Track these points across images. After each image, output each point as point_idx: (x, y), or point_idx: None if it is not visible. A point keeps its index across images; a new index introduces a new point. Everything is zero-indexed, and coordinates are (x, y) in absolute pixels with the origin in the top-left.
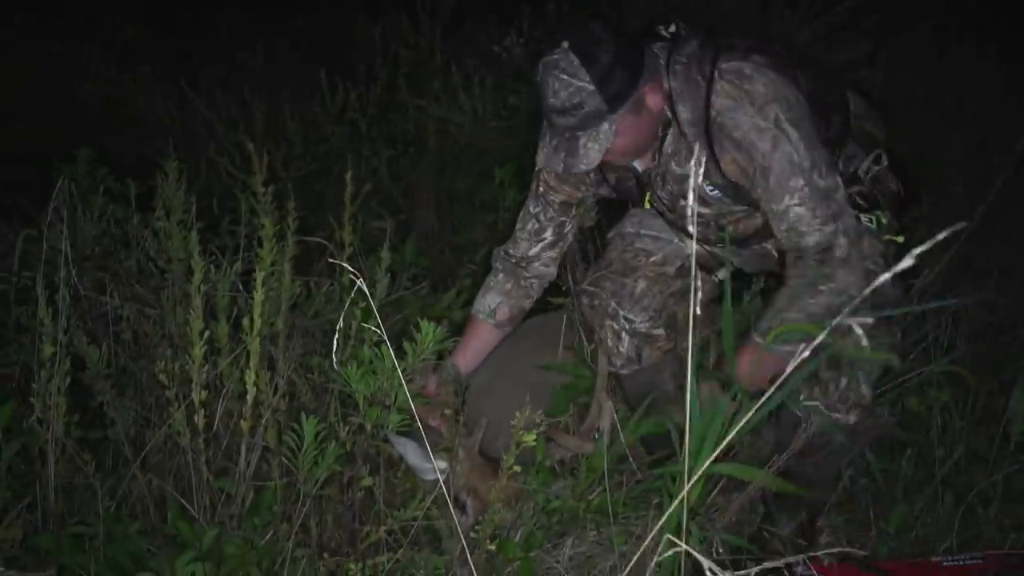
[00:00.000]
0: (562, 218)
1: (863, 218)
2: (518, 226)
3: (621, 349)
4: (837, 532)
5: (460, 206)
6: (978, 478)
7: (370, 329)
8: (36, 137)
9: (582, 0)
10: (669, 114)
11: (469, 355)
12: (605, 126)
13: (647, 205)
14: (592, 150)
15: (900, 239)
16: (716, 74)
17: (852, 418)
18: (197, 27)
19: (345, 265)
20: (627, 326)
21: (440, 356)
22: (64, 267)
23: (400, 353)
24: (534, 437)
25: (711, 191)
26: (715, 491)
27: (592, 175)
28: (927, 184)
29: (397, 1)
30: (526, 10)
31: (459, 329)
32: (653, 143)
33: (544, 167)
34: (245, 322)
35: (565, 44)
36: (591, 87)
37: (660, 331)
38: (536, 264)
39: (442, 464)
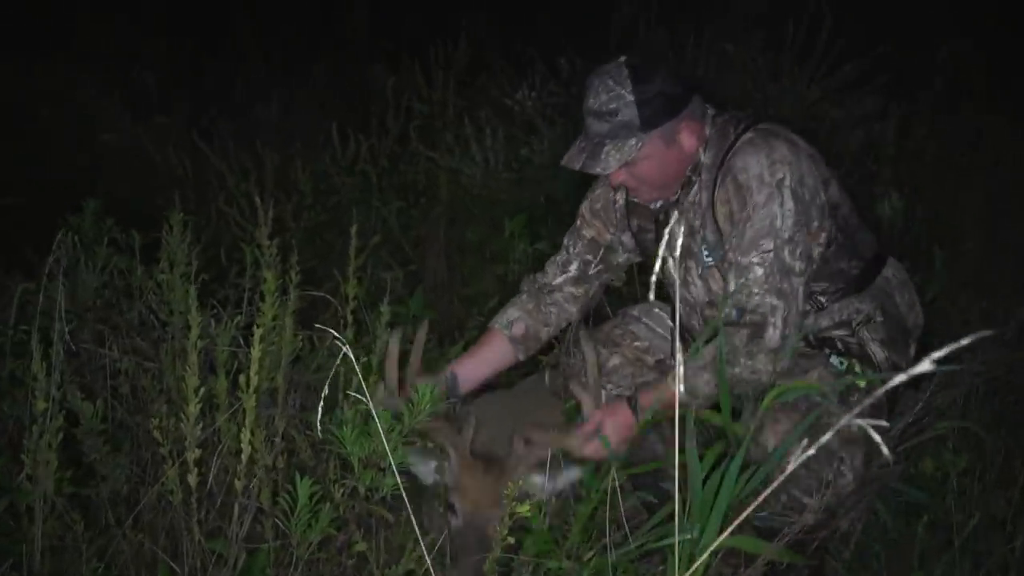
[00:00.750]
0: (588, 256)
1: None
2: (551, 258)
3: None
4: None
5: (470, 257)
6: (997, 544)
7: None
8: (50, 187)
9: (596, 55)
10: (701, 157)
11: (475, 361)
12: (632, 141)
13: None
14: (612, 157)
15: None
16: (749, 129)
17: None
18: (217, 78)
19: (333, 332)
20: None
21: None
22: (59, 320)
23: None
24: (528, 508)
25: (706, 255)
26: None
27: (618, 215)
28: (940, 240)
29: (412, 54)
30: (539, 65)
31: None
32: (676, 184)
33: (565, 164)
34: (243, 378)
35: (622, 59)
36: (630, 98)
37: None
38: (558, 295)
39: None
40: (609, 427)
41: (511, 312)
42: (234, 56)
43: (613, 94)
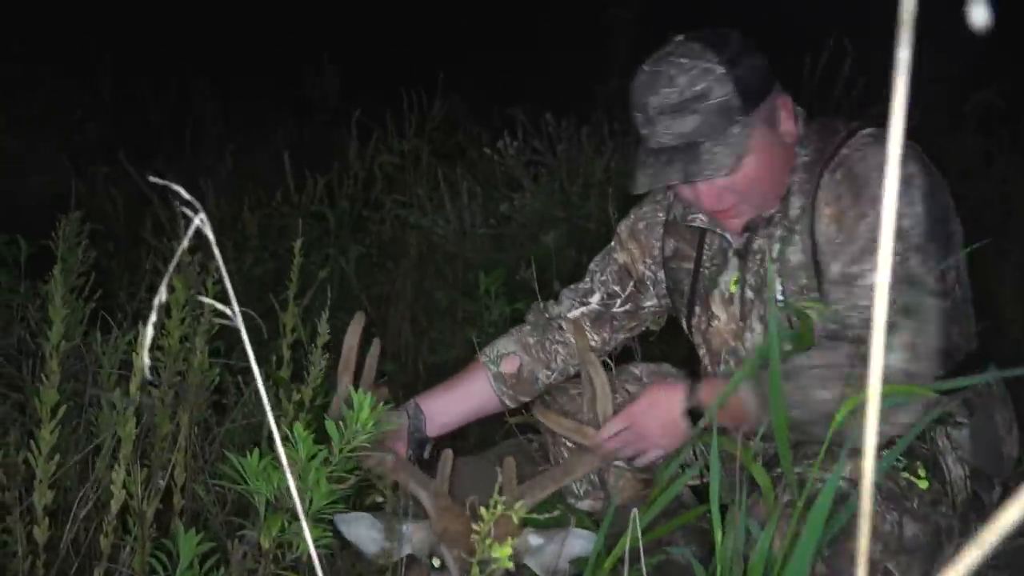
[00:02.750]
0: (615, 287)
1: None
2: (570, 286)
3: None
4: None
5: (439, 320)
6: None
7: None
8: None
9: (581, 113)
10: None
11: (450, 398)
12: (736, 129)
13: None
14: (721, 155)
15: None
16: (859, 129)
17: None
18: (168, 132)
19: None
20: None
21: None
22: None
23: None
24: (509, 554)
25: (778, 291)
26: None
27: (658, 247)
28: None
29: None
30: (523, 121)
31: None
32: (782, 187)
33: (650, 187)
34: (117, 394)
35: (679, 37)
36: (721, 70)
37: (625, 465)
38: (570, 333)
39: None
40: (650, 419)
41: (504, 344)
42: (187, 110)
43: (695, 72)
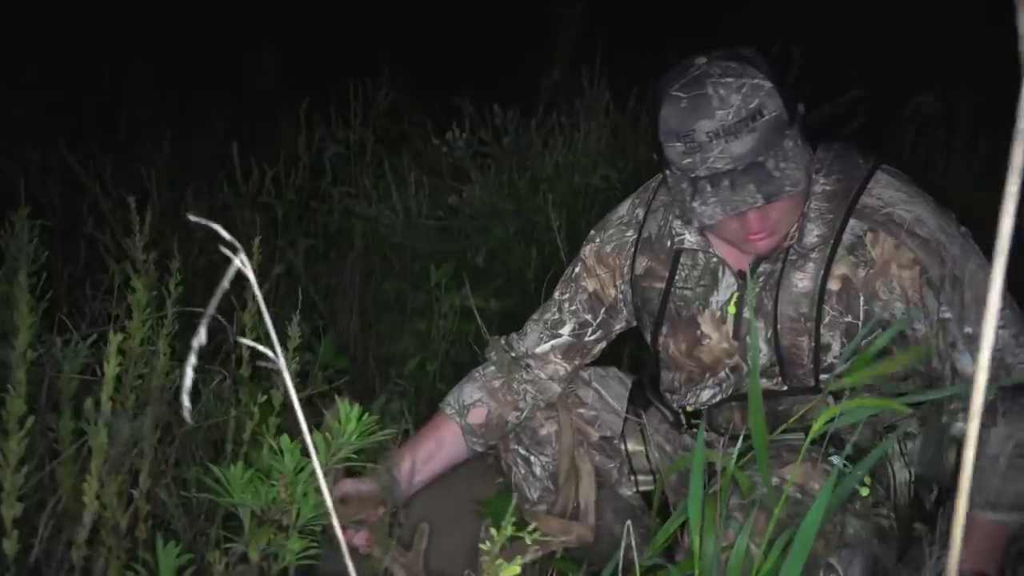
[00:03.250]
0: (586, 316)
1: (836, 459)
2: (533, 316)
3: (535, 473)
4: None
5: (388, 312)
6: None
7: (269, 435)
8: None
9: (525, 106)
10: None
11: (419, 455)
12: (789, 144)
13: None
14: (791, 170)
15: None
16: (880, 166)
17: None
18: (99, 114)
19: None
20: (531, 458)
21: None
22: None
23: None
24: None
25: (791, 311)
26: None
27: (628, 265)
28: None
29: (325, 100)
30: (469, 111)
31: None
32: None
33: (725, 215)
34: (88, 403)
35: (701, 59)
36: (768, 84)
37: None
38: (539, 368)
39: None
40: None
41: (469, 391)
42: (119, 93)
43: (746, 90)
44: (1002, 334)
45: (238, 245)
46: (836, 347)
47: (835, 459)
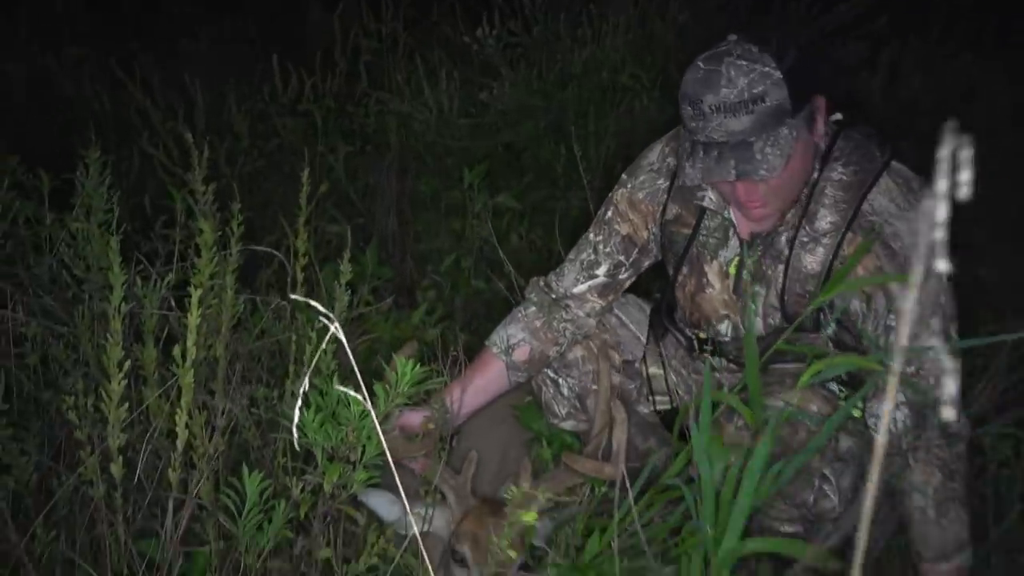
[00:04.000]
0: (620, 257)
1: (835, 386)
2: (570, 256)
3: (563, 393)
4: None
5: (423, 210)
6: None
7: (329, 361)
8: None
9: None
10: (816, 174)
11: (469, 391)
12: (784, 131)
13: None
14: (772, 156)
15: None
16: (890, 164)
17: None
18: (136, 8)
19: (312, 303)
20: (559, 379)
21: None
22: None
23: (370, 394)
24: (535, 516)
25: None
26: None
27: (660, 211)
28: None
29: None
30: (498, 2)
31: (434, 354)
32: (799, 196)
33: (702, 180)
34: (177, 349)
35: (733, 37)
36: (777, 74)
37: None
38: (577, 307)
39: (427, 513)
40: None
41: (512, 331)
42: None
43: (755, 75)
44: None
45: (333, 317)
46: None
47: (832, 386)
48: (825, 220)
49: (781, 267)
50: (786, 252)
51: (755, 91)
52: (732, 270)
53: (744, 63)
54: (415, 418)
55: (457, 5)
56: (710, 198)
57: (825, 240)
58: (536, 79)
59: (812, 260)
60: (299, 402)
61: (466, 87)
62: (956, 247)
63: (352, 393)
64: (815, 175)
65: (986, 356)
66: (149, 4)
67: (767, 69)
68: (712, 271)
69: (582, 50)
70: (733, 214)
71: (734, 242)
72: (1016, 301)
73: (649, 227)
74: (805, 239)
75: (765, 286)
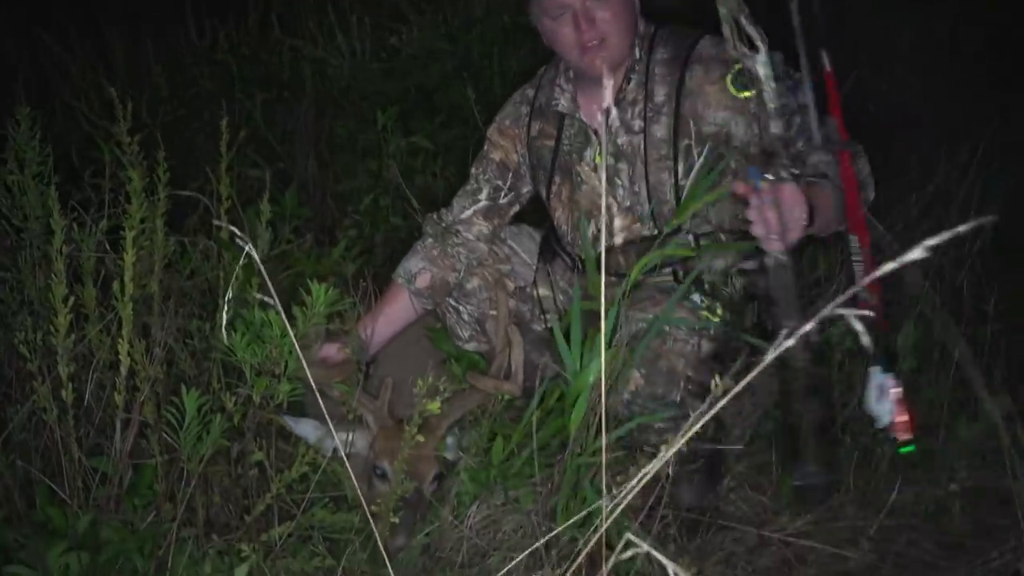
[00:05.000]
0: (498, 181)
1: (696, 297)
2: (457, 193)
3: (464, 319)
4: (740, 478)
5: (341, 153)
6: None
7: (254, 292)
8: None
9: None
10: (638, 54)
11: (380, 321)
12: None
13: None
14: None
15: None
16: (703, 36)
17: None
18: None
19: (232, 228)
20: (460, 307)
21: (335, 318)
22: None
23: (290, 318)
24: (438, 405)
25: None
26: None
27: (524, 132)
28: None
29: None
30: None
31: (349, 286)
32: (628, 53)
33: None
34: (115, 286)
35: None
36: None
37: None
38: (466, 233)
39: (348, 436)
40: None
41: (414, 262)
42: None
43: None
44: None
45: (246, 238)
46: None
47: (696, 298)
48: (660, 93)
49: (639, 138)
50: (640, 123)
51: None
52: (598, 159)
53: None
54: (334, 349)
55: None
56: (563, 104)
57: (664, 109)
58: (443, 23)
59: (659, 128)
60: (223, 321)
61: (377, 32)
62: None
63: (273, 312)
64: (644, 57)
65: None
66: None
67: None
68: (582, 170)
69: None
70: (582, 110)
71: (594, 140)
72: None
73: (518, 149)
74: (651, 114)
75: (628, 163)
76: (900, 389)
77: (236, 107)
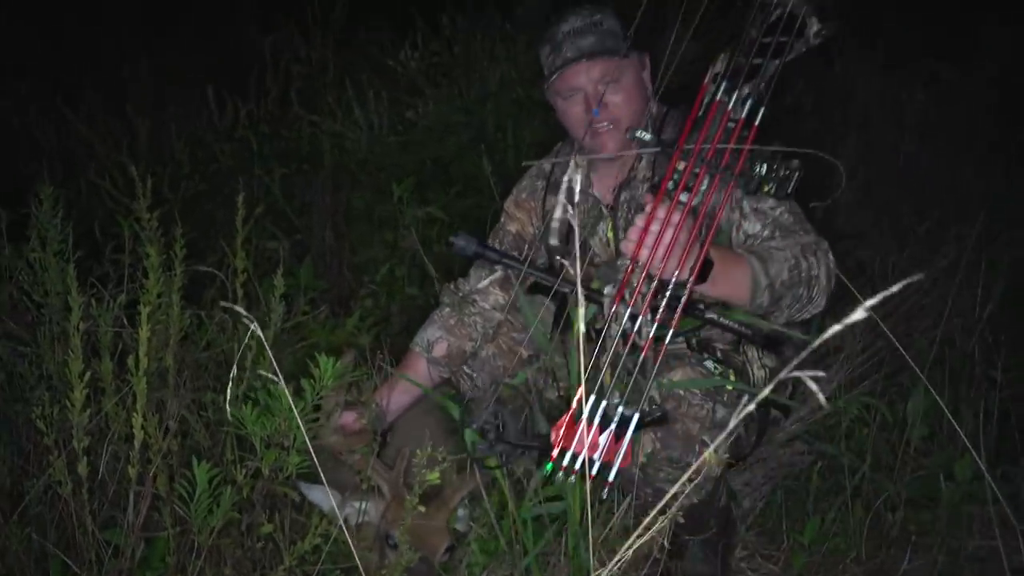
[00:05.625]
0: (514, 252)
1: (709, 363)
2: (475, 263)
3: (478, 385)
4: (751, 547)
5: (358, 224)
6: (884, 485)
7: (266, 364)
8: None
9: (478, 13)
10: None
11: (396, 390)
12: (621, 44)
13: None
14: (613, 44)
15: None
16: None
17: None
18: (77, 37)
19: (237, 308)
20: (474, 374)
21: (353, 387)
22: None
23: (299, 390)
24: (437, 475)
25: None
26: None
27: (539, 199)
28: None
29: (288, 12)
30: (420, 23)
31: (366, 356)
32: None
33: (563, 69)
34: (131, 360)
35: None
36: (610, 12)
37: None
38: (483, 300)
39: (362, 505)
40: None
41: (431, 332)
42: (94, 13)
43: (597, 12)
44: (785, 217)
45: (252, 319)
46: None
47: (708, 363)
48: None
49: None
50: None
51: (596, 18)
52: (610, 234)
53: (586, 9)
54: (352, 417)
55: (383, 28)
56: (577, 179)
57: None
58: (458, 96)
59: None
60: (227, 396)
61: (394, 106)
62: (841, 237)
63: (278, 384)
64: (654, 138)
65: (841, 337)
66: (90, 33)
67: (604, 9)
68: (596, 244)
69: (498, 68)
70: (595, 187)
71: (606, 215)
72: (887, 281)
73: (534, 222)
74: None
75: None
76: None
77: (255, 182)
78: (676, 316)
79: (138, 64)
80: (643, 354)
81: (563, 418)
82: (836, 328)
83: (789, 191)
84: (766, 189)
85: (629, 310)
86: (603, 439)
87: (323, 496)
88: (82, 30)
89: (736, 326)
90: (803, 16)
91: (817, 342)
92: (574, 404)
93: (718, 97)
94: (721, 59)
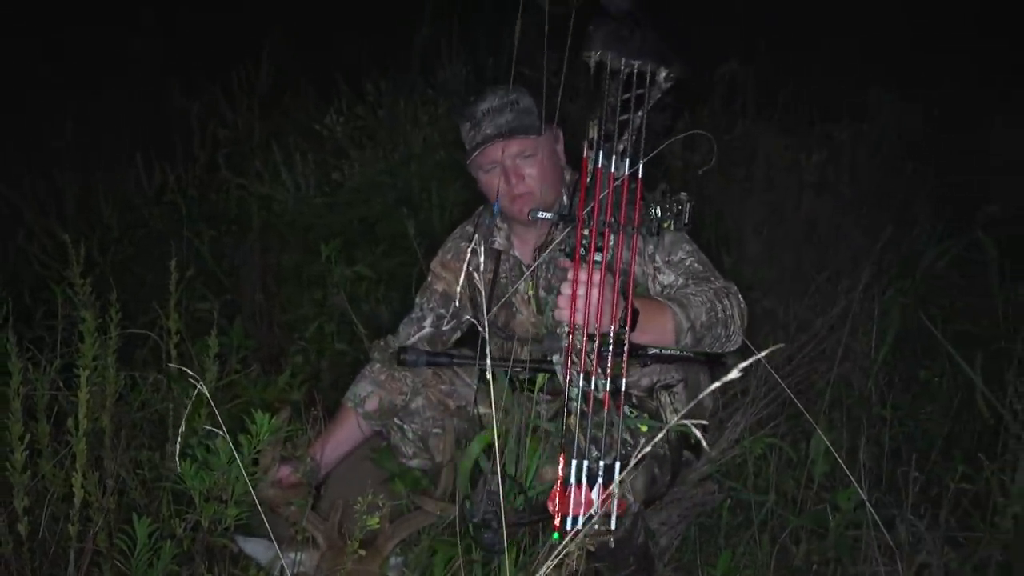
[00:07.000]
0: (441, 310)
1: (626, 409)
2: (403, 320)
3: (408, 436)
4: None
5: (287, 283)
6: (788, 519)
7: (202, 422)
8: None
9: (401, 78)
10: (565, 200)
11: (330, 444)
12: (537, 123)
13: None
14: (531, 121)
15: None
16: None
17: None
18: (2, 99)
19: (183, 368)
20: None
21: (287, 443)
22: None
23: (236, 445)
24: (377, 521)
25: None
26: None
27: (464, 265)
28: (726, 244)
29: (213, 78)
30: (344, 88)
31: (301, 412)
32: (556, 200)
33: (484, 145)
34: (70, 421)
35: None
36: (527, 95)
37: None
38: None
39: (298, 556)
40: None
41: (363, 387)
42: (19, 76)
43: (512, 92)
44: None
45: (199, 379)
46: None
47: (625, 408)
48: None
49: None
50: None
51: (512, 97)
52: (531, 290)
53: (503, 88)
54: (288, 471)
55: (308, 92)
56: (499, 241)
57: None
58: (382, 159)
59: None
60: (175, 450)
61: (320, 168)
62: (750, 287)
63: (221, 440)
64: (570, 202)
65: (747, 381)
66: (15, 95)
67: (519, 89)
68: (518, 302)
69: (421, 131)
70: (516, 248)
71: (526, 273)
72: (791, 328)
73: (459, 281)
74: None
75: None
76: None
77: (184, 245)
78: (624, 361)
79: (63, 128)
80: (605, 407)
81: (554, 489)
82: (715, 384)
83: (687, 221)
84: (666, 226)
85: (582, 372)
86: (595, 494)
87: (260, 548)
88: (6, 92)
89: (680, 353)
90: (650, 70)
91: (703, 394)
92: (560, 473)
93: (600, 164)
94: (592, 127)
